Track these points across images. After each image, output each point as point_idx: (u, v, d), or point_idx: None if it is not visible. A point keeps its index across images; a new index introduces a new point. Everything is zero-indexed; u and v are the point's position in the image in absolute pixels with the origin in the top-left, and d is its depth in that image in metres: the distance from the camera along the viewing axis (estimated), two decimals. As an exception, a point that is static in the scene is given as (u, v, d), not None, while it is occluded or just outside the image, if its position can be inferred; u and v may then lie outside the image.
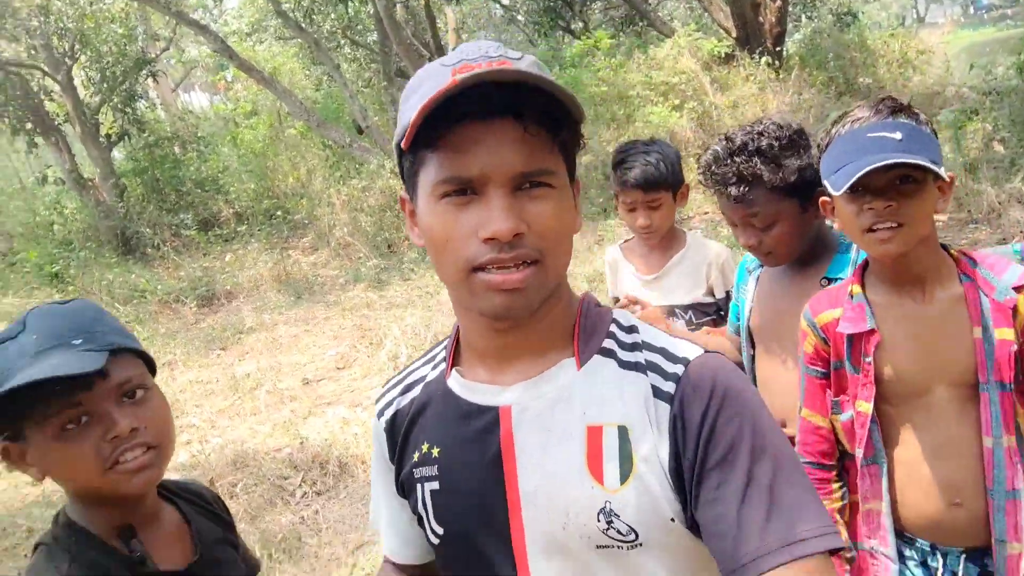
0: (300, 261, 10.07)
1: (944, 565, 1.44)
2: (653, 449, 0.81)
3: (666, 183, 2.07)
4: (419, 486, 0.95)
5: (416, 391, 1.00)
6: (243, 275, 9.23)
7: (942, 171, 1.30)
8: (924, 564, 1.47)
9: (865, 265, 1.51)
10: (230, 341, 7.14)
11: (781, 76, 10.57)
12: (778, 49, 10.71)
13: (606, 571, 0.84)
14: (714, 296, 2.20)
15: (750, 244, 1.70)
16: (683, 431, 0.80)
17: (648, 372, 0.84)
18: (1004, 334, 1.34)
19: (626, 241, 2.38)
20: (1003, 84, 8.77)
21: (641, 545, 0.81)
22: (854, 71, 11.37)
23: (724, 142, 1.69)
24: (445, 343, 1.00)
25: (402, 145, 0.81)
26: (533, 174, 0.79)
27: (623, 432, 0.82)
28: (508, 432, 0.86)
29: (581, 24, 14.61)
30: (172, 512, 1.19)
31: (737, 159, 1.63)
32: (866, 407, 1.43)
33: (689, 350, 0.85)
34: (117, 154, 13.55)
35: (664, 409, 0.82)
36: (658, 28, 13.11)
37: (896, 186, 1.30)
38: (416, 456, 0.96)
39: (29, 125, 12.09)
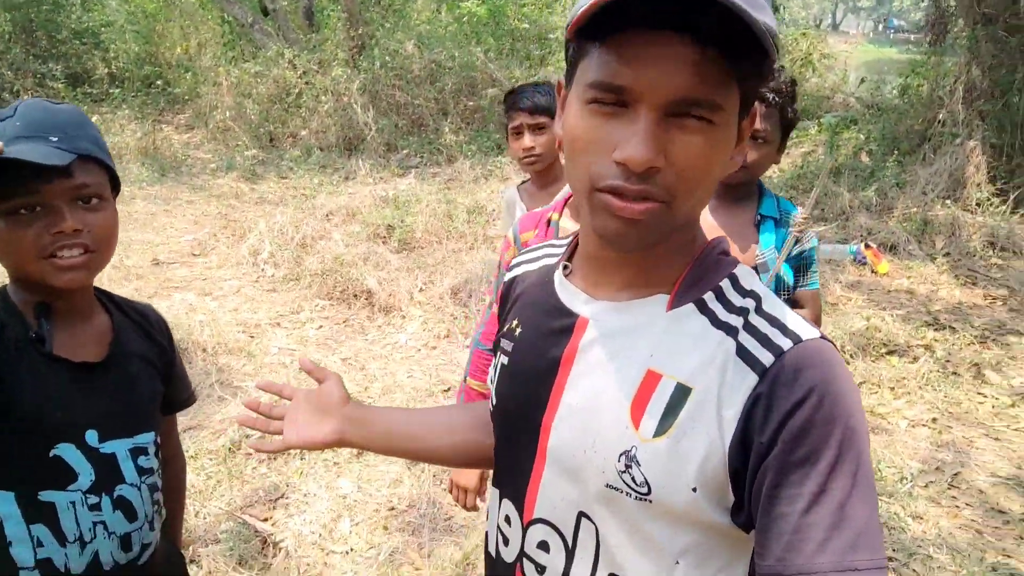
0: (171, 138, 9.48)
1: None
2: (715, 413, 0.74)
3: (551, 110, 2.21)
4: (499, 354, 0.97)
5: (538, 265, 0.98)
6: (107, 140, 8.58)
7: None
8: None
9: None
10: (81, 207, 6.68)
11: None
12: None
13: (603, 511, 0.81)
14: None
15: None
16: (766, 413, 0.71)
17: (740, 334, 0.76)
18: None
19: (524, 183, 2.47)
20: (886, 101, 9.35)
21: (650, 501, 0.77)
22: (761, 60, 11.75)
23: None
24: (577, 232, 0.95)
25: (567, 32, 0.73)
26: (695, 103, 0.69)
27: (681, 390, 0.76)
28: (576, 341, 0.84)
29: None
30: (104, 318, 1.24)
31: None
32: None
33: (805, 330, 0.75)
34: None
35: (749, 378, 0.73)
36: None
37: None
38: (507, 326, 0.97)
39: None
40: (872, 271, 5.57)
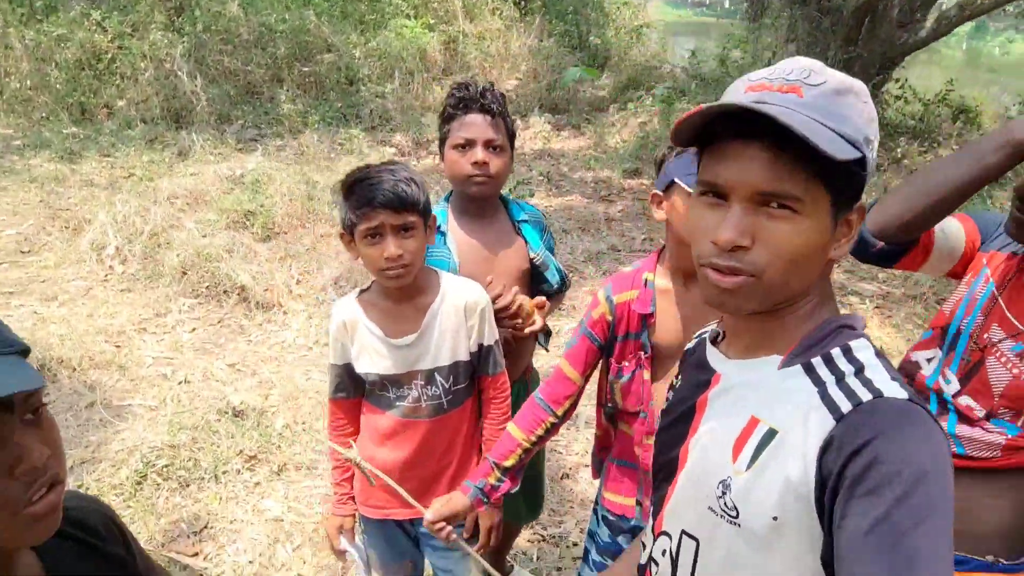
0: (-42, 110, 8.24)
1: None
2: (794, 452, 0.84)
3: (420, 205, 1.64)
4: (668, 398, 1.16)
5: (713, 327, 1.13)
6: None
7: None
8: None
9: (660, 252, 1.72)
10: None
11: (526, 18, 10.92)
12: (526, -10, 11.00)
13: (704, 532, 0.95)
14: (479, 349, 1.80)
15: (483, 161, 1.85)
16: (836, 454, 0.80)
17: (830, 387, 0.86)
18: None
19: (363, 292, 1.79)
20: (709, 72, 10.01)
21: (739, 525, 0.89)
22: (587, 29, 12.10)
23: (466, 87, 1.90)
24: None
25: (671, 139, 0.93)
26: (773, 195, 0.84)
27: (770, 434, 0.88)
28: (708, 391, 1.01)
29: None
30: (29, 558, 0.86)
31: (489, 94, 1.89)
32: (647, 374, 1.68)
33: (893, 390, 0.83)
34: None
35: (827, 422, 0.82)
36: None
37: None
38: (676, 377, 1.17)
39: None
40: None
